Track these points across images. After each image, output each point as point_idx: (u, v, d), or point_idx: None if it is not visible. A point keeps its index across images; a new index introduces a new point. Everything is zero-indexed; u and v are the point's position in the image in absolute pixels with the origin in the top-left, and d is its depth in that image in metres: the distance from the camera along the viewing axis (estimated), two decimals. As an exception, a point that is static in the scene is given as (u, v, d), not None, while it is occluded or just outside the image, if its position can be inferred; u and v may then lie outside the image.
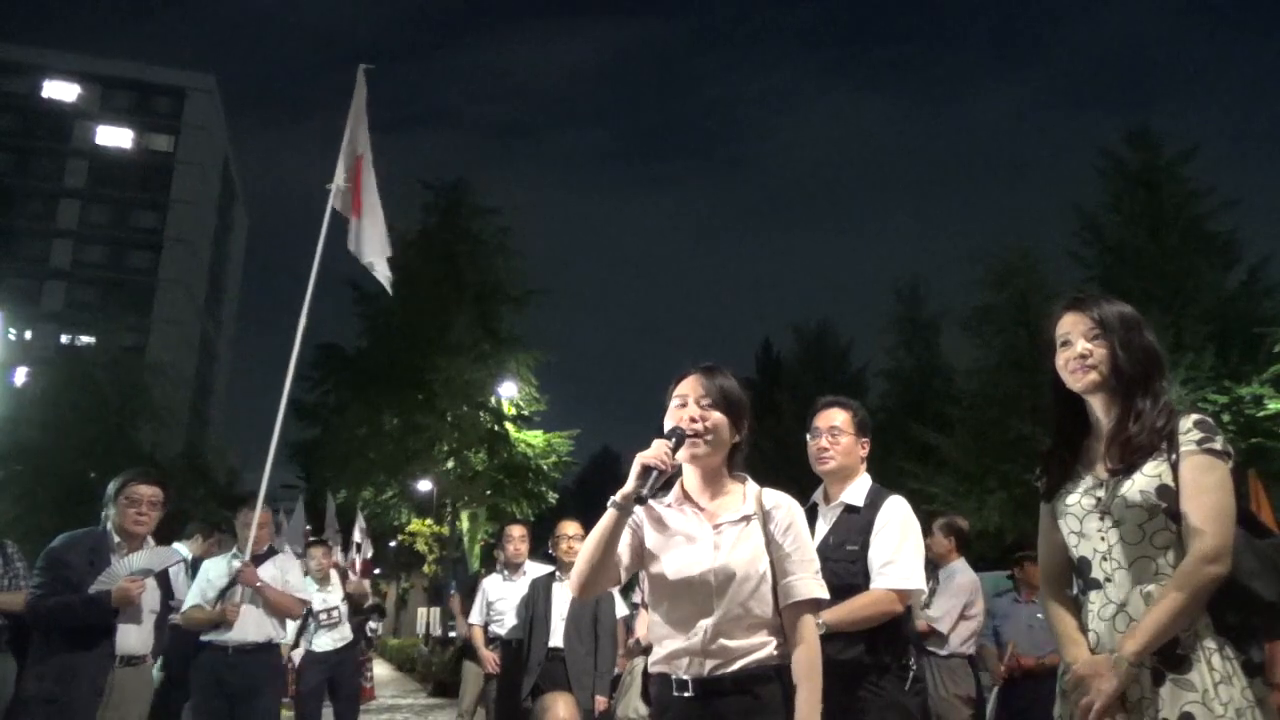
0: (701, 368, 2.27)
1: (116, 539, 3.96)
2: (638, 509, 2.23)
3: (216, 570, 5.15)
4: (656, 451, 2.10)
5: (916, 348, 25.15)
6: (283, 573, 5.17)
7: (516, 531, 6.45)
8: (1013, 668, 5.56)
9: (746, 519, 2.18)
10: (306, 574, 7.08)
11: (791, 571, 2.14)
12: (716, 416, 2.20)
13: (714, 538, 2.18)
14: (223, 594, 4.95)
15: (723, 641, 2.11)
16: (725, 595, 2.12)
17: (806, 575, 2.14)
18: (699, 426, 2.18)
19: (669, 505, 2.27)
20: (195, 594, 5.09)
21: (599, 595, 5.26)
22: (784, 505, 2.20)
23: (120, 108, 52.98)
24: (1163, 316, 15.61)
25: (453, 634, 17.66)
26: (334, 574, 7.50)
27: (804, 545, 2.18)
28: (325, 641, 7.02)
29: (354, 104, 5.96)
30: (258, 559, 5.09)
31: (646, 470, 2.09)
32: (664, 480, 2.12)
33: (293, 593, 5.17)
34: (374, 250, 5.92)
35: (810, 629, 2.11)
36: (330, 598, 7.16)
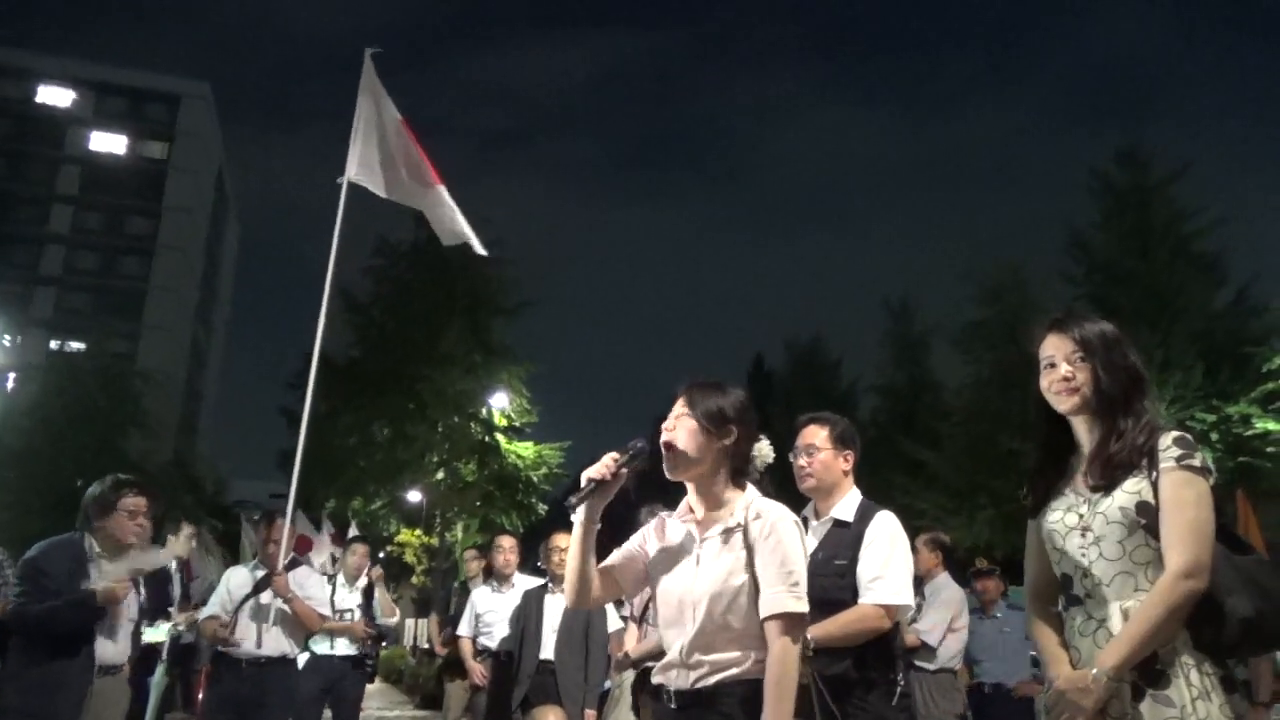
0: (687, 384, 2.30)
1: (97, 549, 3.87)
2: (651, 528, 2.35)
3: (238, 580, 5.11)
4: (599, 464, 2.22)
5: (907, 363, 25.23)
6: (301, 586, 5.10)
7: (506, 543, 6.44)
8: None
9: (729, 532, 2.16)
10: (338, 572, 6.87)
11: (766, 585, 2.09)
12: (688, 425, 2.21)
13: (697, 551, 2.20)
14: (242, 604, 4.92)
15: (699, 655, 2.12)
16: (701, 609, 2.14)
17: (780, 589, 2.06)
18: (665, 439, 2.23)
19: (673, 518, 2.31)
20: (215, 603, 5.06)
21: (591, 609, 5.29)
22: (766, 516, 2.14)
23: (114, 114, 52.88)
24: (1151, 335, 15.70)
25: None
26: (365, 579, 6.96)
27: (782, 557, 2.09)
28: (325, 644, 6.25)
29: (363, 89, 5.76)
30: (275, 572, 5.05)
31: (589, 482, 2.21)
32: (605, 490, 2.21)
33: (312, 604, 5.14)
34: (458, 216, 5.79)
35: (780, 644, 2.04)
36: (349, 599, 6.57)
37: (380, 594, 7.31)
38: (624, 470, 2.21)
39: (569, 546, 2.27)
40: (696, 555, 2.19)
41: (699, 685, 2.11)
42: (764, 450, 2.29)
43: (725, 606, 2.10)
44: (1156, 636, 1.92)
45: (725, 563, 2.13)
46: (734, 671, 2.08)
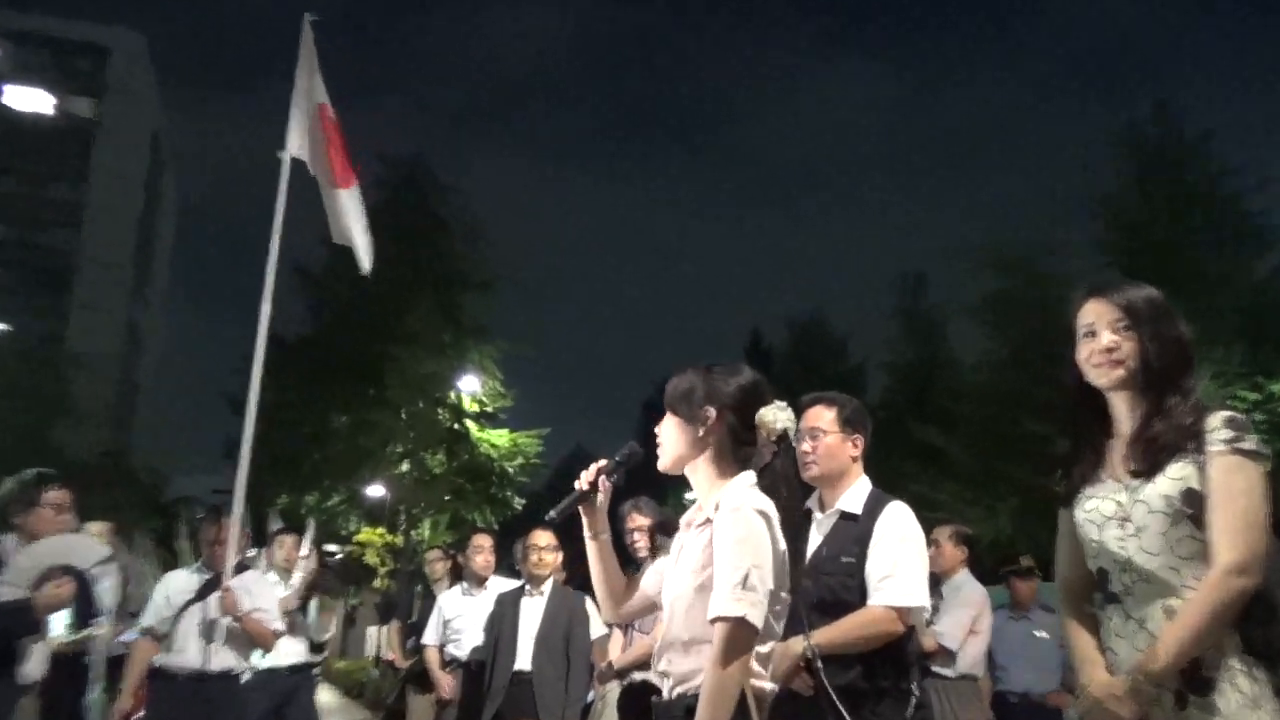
0: None
1: (21, 549, 3.85)
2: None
3: (177, 585, 5.02)
4: (585, 473, 2.31)
5: (919, 339, 25.33)
6: (251, 596, 5.05)
7: (485, 542, 6.41)
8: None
9: (701, 528, 2.16)
10: (270, 569, 6.69)
11: (715, 586, 2.05)
12: (667, 419, 2.27)
13: (678, 552, 2.22)
14: (183, 611, 4.84)
15: (666, 664, 2.15)
16: (668, 613, 2.17)
17: (724, 590, 2.01)
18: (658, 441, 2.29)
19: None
20: (150, 614, 4.98)
21: (572, 614, 5.28)
22: (724, 506, 2.10)
23: (35, 67, 52.10)
24: (1188, 307, 15.67)
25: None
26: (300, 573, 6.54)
27: (732, 553, 2.03)
28: (268, 654, 5.79)
29: (301, 58, 5.79)
30: (220, 577, 4.98)
31: (573, 492, 2.33)
32: (583, 498, 2.32)
33: (265, 619, 5.06)
34: (358, 225, 5.88)
35: (716, 650, 1.99)
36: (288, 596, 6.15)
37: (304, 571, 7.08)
38: (609, 478, 2.31)
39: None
40: (677, 556, 2.22)
41: (674, 695, 2.12)
42: (768, 418, 2.20)
43: (684, 611, 2.11)
44: (1202, 639, 1.90)
45: (690, 563, 2.14)
46: (693, 684, 2.06)
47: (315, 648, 6.51)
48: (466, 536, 6.71)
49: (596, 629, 5.36)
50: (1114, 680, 1.99)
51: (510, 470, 22.67)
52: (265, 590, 5.24)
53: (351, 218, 5.91)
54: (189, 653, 4.80)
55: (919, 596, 2.95)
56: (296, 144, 5.66)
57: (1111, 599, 2.08)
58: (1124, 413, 2.12)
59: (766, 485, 2.17)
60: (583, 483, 2.30)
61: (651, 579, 2.39)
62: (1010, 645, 5.81)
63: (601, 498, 2.33)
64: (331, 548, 23.86)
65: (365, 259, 6.03)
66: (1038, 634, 5.83)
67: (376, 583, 24.14)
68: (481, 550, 6.32)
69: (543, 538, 5.42)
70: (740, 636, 1.98)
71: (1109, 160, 19.24)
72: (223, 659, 4.87)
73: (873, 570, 2.93)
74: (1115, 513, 2.06)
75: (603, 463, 2.32)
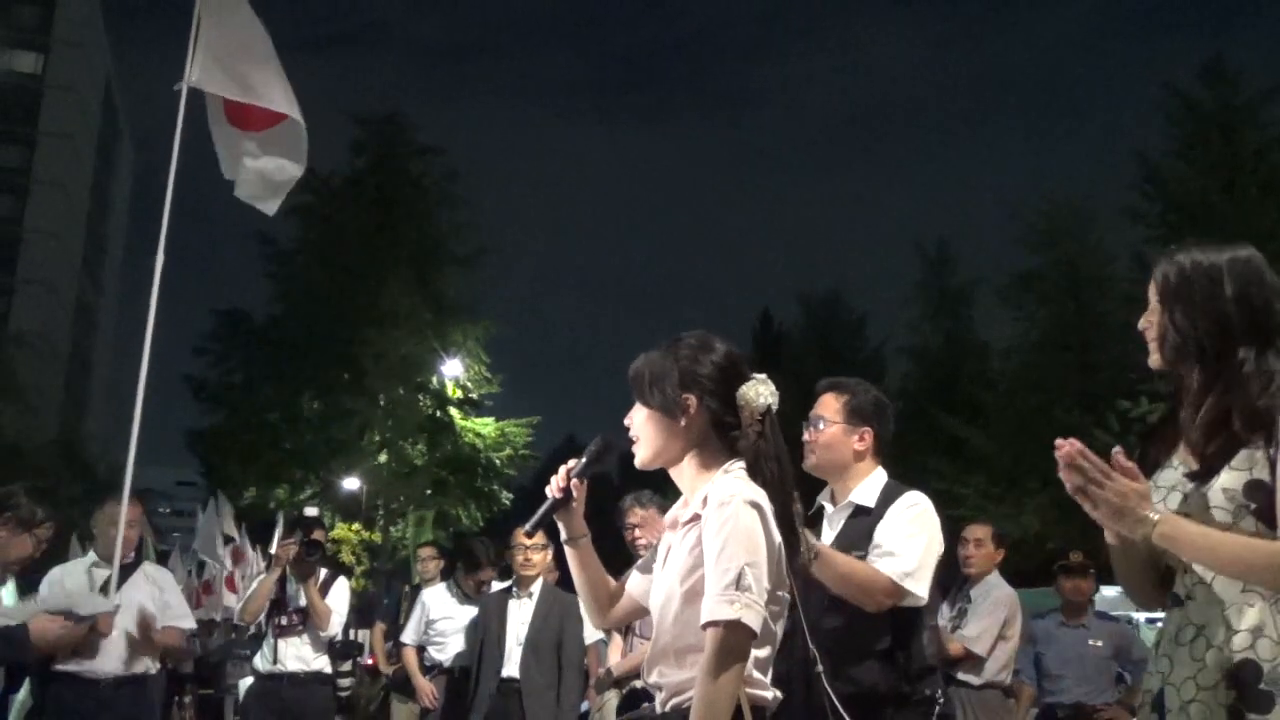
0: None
1: None
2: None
3: (75, 582, 4.97)
4: (555, 477, 2.31)
5: (945, 321, 25.35)
6: (160, 590, 4.99)
7: (487, 576, 6.37)
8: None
9: (689, 525, 2.14)
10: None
11: (706, 588, 2.02)
12: (639, 411, 2.24)
13: (664, 553, 2.22)
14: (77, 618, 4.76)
15: (657, 676, 2.14)
16: (656, 618, 2.16)
17: (714, 592, 1.98)
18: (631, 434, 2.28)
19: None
20: (58, 607, 4.95)
21: (564, 616, 5.29)
22: (714, 500, 2.07)
23: (-25, 19, 52.02)
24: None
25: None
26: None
27: (723, 552, 2.00)
28: (267, 657, 5.76)
29: None
30: (124, 569, 4.86)
31: (547, 500, 2.33)
32: (557, 506, 2.32)
33: (174, 619, 5.00)
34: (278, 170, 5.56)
35: (707, 659, 1.96)
36: (300, 594, 5.89)
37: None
38: (581, 480, 2.31)
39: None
40: (664, 557, 2.22)
41: (667, 709, 2.11)
42: (750, 395, 2.16)
43: (674, 616, 2.10)
44: (1237, 567, 1.88)
45: (678, 564, 2.13)
46: (687, 696, 2.03)
47: (345, 656, 6.25)
48: (455, 535, 6.68)
49: (591, 633, 5.37)
50: (1145, 486, 1.94)
51: (497, 462, 22.70)
52: (171, 584, 5.19)
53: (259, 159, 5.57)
54: (105, 654, 4.71)
55: (917, 583, 2.91)
56: (197, 74, 5.40)
57: (1175, 601, 2.06)
58: (1185, 393, 2.11)
59: (751, 468, 2.13)
60: (554, 489, 2.30)
61: (636, 582, 2.38)
62: (1062, 653, 5.75)
63: (576, 502, 2.32)
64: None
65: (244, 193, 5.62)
66: (1093, 643, 5.79)
67: (353, 583, 24.26)
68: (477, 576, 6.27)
69: (528, 536, 5.42)
70: (735, 642, 1.95)
71: (1156, 122, 19.25)
72: (138, 660, 4.84)
73: (874, 547, 2.94)
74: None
75: (571, 464, 2.31)
